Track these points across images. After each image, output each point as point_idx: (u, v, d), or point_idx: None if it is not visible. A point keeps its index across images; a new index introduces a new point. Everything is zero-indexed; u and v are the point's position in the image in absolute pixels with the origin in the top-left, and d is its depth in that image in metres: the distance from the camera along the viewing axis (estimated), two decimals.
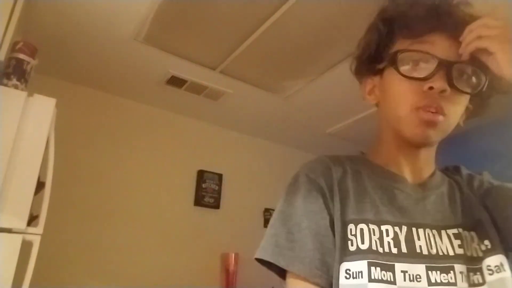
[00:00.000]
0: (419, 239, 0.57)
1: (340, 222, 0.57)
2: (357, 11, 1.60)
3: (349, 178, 0.62)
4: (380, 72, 0.64)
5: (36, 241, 1.23)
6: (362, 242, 0.55)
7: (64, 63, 2.14)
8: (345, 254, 0.55)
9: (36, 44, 1.46)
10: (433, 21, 0.58)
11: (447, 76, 0.55)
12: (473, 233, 0.59)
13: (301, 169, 0.64)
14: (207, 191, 2.68)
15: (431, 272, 0.54)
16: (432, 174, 0.66)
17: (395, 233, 0.57)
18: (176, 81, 2.27)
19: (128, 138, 2.46)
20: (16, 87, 1.35)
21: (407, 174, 0.64)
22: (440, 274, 0.54)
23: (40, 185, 1.29)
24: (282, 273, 0.57)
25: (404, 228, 0.58)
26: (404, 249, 0.56)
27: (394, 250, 0.55)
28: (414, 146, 0.62)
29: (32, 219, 1.27)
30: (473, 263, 0.56)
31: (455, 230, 0.59)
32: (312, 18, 1.68)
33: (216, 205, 2.68)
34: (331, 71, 2.07)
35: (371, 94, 0.67)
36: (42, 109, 1.33)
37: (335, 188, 0.60)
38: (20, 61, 1.39)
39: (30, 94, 1.32)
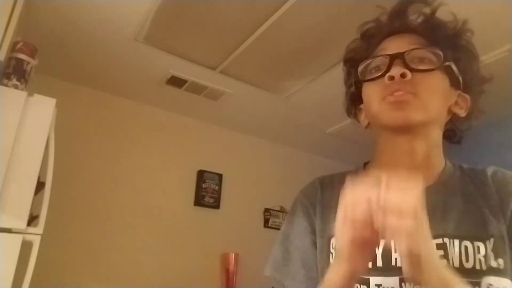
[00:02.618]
0: (395, 251, 0.55)
1: (321, 238, 0.63)
2: (357, 11, 1.60)
3: (335, 194, 0.58)
4: (361, 98, 0.68)
5: (36, 241, 1.23)
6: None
7: (64, 63, 2.14)
8: (328, 267, 0.55)
9: (36, 44, 1.46)
10: (386, 29, 0.66)
11: (403, 64, 0.58)
12: (480, 244, 0.54)
13: (299, 194, 0.72)
14: (207, 191, 2.68)
15: (404, 284, 0.53)
16: (438, 176, 0.62)
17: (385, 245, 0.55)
18: (176, 81, 2.27)
19: (128, 138, 2.46)
20: (16, 87, 1.35)
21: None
22: (413, 286, 0.52)
23: (40, 185, 1.29)
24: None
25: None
26: (379, 262, 0.56)
27: (369, 265, 0.55)
28: (400, 131, 0.60)
29: (32, 219, 1.27)
30: (468, 275, 0.51)
31: (439, 240, 0.55)
32: (312, 18, 1.68)
33: (216, 205, 2.68)
34: (331, 71, 2.07)
35: (365, 120, 0.71)
36: (42, 109, 1.33)
37: (318, 206, 0.66)
38: (20, 61, 1.39)
39: (30, 94, 1.32)
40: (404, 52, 0.58)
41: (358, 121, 0.74)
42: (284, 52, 1.95)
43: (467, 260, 0.54)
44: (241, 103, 2.53)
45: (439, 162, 0.65)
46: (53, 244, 1.76)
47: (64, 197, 2.04)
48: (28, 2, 1.56)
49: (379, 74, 0.60)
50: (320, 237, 0.63)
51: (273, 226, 2.83)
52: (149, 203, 2.42)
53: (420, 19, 0.65)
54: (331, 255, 0.60)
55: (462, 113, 0.64)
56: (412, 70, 0.57)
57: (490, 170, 0.63)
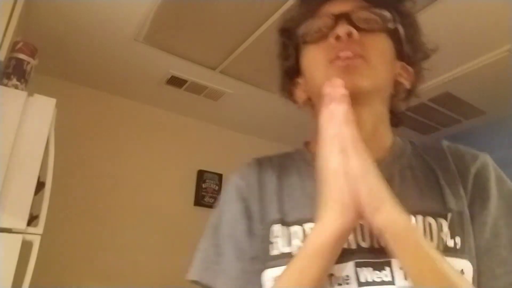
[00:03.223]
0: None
1: (261, 225, 0.53)
2: None
3: (275, 176, 0.57)
4: (299, 69, 0.59)
5: (36, 241, 1.23)
6: (288, 244, 0.49)
7: (64, 63, 2.14)
8: (267, 259, 0.50)
9: (36, 44, 1.46)
10: None
11: (349, 23, 0.51)
12: (443, 221, 0.48)
13: (232, 175, 0.61)
14: (207, 191, 2.68)
15: (361, 269, 0.46)
16: (388, 150, 0.57)
17: None
18: (176, 81, 2.27)
19: (128, 138, 2.46)
20: (16, 87, 1.35)
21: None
22: (373, 271, 0.45)
23: (40, 185, 1.29)
24: None
25: None
26: None
27: None
28: (357, 95, 0.52)
29: (32, 219, 1.27)
30: None
31: None
32: None
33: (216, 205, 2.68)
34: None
35: (301, 95, 0.62)
36: (42, 109, 1.33)
37: (256, 187, 0.56)
38: (20, 61, 1.39)
39: (30, 94, 1.32)
40: (350, 11, 0.52)
41: (293, 100, 0.64)
42: None
43: (431, 239, 0.47)
44: (241, 103, 2.53)
45: (388, 136, 0.59)
46: (53, 244, 1.76)
47: (64, 197, 2.04)
48: (28, 2, 1.56)
49: (323, 34, 0.53)
50: (259, 222, 0.53)
51: None
52: (149, 203, 2.42)
53: None
54: (271, 245, 0.50)
55: (408, 85, 0.59)
56: (359, 29, 0.51)
57: (445, 143, 0.58)
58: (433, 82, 2.09)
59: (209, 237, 0.56)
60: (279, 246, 0.50)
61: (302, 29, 0.56)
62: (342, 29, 0.51)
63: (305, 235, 0.50)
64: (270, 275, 0.49)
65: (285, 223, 0.51)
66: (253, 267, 0.50)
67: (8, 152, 1.22)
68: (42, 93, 1.35)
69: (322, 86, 0.49)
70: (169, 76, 2.22)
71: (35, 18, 1.76)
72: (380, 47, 0.54)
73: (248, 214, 0.54)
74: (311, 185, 0.51)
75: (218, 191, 2.72)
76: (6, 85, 1.33)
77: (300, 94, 0.62)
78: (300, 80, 0.61)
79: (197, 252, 0.57)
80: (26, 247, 1.20)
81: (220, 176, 2.75)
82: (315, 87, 0.54)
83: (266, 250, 0.50)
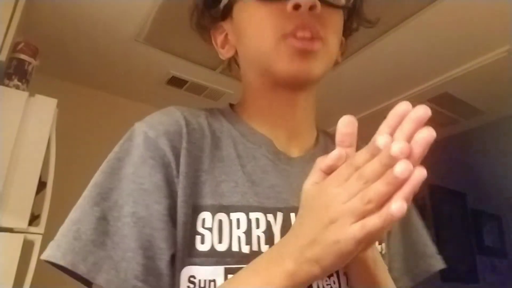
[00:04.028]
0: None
1: (186, 208, 0.39)
2: None
3: (207, 143, 0.44)
4: (228, 14, 0.48)
5: (38, 240, 1.24)
6: (220, 241, 0.38)
7: (65, 63, 2.14)
8: (191, 255, 0.38)
9: (37, 45, 1.47)
10: None
11: None
12: None
13: (140, 123, 0.45)
14: None
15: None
16: (315, 142, 0.52)
17: (268, 223, 0.40)
18: (176, 82, 2.28)
19: None
20: (17, 87, 1.35)
21: (283, 138, 0.48)
22: (323, 278, 0.41)
23: (41, 185, 1.30)
24: (88, 282, 0.38)
25: (280, 216, 0.41)
26: (258, 246, 0.39)
27: (265, 248, 0.39)
28: (291, 87, 0.46)
29: (34, 219, 1.28)
30: None
31: None
32: None
33: None
34: (331, 71, 2.07)
35: (224, 47, 0.51)
36: (44, 109, 1.34)
37: (183, 156, 0.41)
38: (21, 62, 1.39)
39: (32, 95, 1.33)
40: None
41: (213, 44, 0.53)
42: None
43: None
44: None
45: (314, 125, 0.54)
46: None
47: (66, 197, 2.04)
48: (30, 3, 1.57)
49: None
50: (184, 203, 0.39)
51: None
52: None
53: None
54: (199, 237, 0.38)
55: (339, 58, 0.52)
56: (322, 2, 0.42)
57: None
58: (432, 82, 2.09)
59: (90, 203, 0.39)
60: (211, 240, 0.38)
61: None
62: (294, 3, 0.41)
63: (249, 226, 0.39)
64: (189, 273, 0.37)
65: (223, 209, 0.40)
66: (162, 268, 0.37)
67: (9, 152, 1.23)
68: (43, 94, 1.36)
69: (266, 61, 0.43)
70: (170, 77, 2.22)
71: (36, 18, 1.76)
72: (338, 27, 0.47)
73: (170, 191, 0.39)
74: (251, 165, 0.44)
75: None
76: (7, 85, 1.34)
77: (227, 49, 0.51)
78: (225, 26, 0.50)
79: (67, 223, 0.38)
80: (27, 246, 1.20)
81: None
82: (256, 58, 0.46)
83: (191, 243, 0.38)
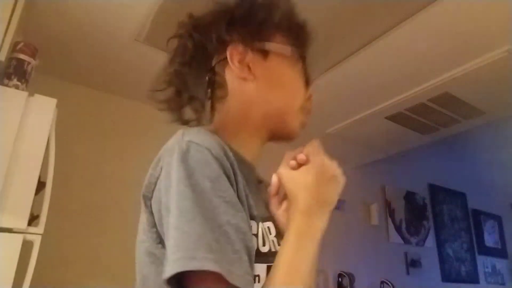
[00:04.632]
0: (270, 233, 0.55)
1: (248, 217, 0.49)
2: (357, 12, 1.60)
3: (236, 166, 0.51)
4: (262, 52, 0.60)
5: (37, 241, 1.23)
6: (264, 244, 0.50)
7: (64, 63, 2.14)
8: (255, 255, 0.48)
9: (37, 45, 1.47)
10: (307, 42, 0.67)
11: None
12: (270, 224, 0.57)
13: (193, 142, 0.47)
14: None
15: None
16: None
17: (270, 229, 0.55)
18: None
19: (128, 138, 2.46)
20: (16, 87, 1.35)
21: (255, 171, 0.63)
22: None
23: (40, 185, 1.29)
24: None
25: (272, 224, 0.57)
26: (276, 247, 0.54)
27: (275, 248, 0.53)
28: (277, 140, 0.63)
29: (33, 219, 1.27)
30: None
31: (269, 223, 0.57)
32: (311, 19, 1.68)
33: None
34: (331, 71, 2.07)
35: (241, 64, 0.59)
36: (43, 109, 1.34)
37: (236, 174, 0.49)
38: (20, 62, 1.39)
39: (31, 94, 1.33)
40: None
41: (216, 44, 0.61)
42: None
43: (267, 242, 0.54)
44: None
45: None
46: (53, 244, 1.76)
47: (65, 197, 2.05)
48: (29, 3, 1.56)
49: (305, 81, 0.63)
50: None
51: None
52: None
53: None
54: (255, 240, 0.49)
55: None
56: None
57: None
58: (432, 82, 2.09)
59: (199, 220, 0.42)
60: (257, 244, 0.50)
61: (305, 60, 0.64)
62: (312, 95, 0.64)
63: (267, 233, 0.53)
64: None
65: (259, 219, 0.52)
66: (253, 262, 0.45)
67: (8, 152, 1.22)
68: (42, 93, 1.36)
69: (287, 116, 0.60)
70: None
71: (36, 18, 1.76)
72: None
73: (240, 203, 0.47)
74: (249, 185, 0.54)
75: None
76: (6, 85, 1.33)
77: (242, 67, 0.60)
78: (249, 52, 0.60)
79: (189, 236, 0.41)
80: (26, 247, 1.20)
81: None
82: (281, 109, 0.60)
83: (254, 245, 0.48)
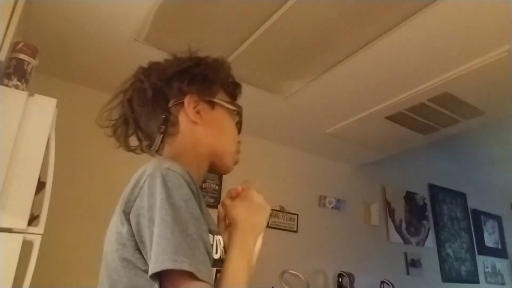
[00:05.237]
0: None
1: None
2: (357, 12, 1.60)
3: (198, 189, 0.66)
4: (211, 103, 0.77)
5: (37, 241, 1.24)
6: (216, 252, 0.66)
7: (64, 63, 2.14)
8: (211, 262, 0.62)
9: (37, 45, 1.47)
10: (239, 94, 0.88)
11: None
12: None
13: (170, 169, 0.60)
14: (208, 191, 2.68)
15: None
16: None
17: (220, 241, 0.71)
18: None
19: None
20: (16, 87, 1.35)
21: None
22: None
23: (40, 185, 1.30)
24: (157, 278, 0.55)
25: (222, 238, 0.72)
26: (224, 256, 0.68)
27: (223, 256, 0.68)
28: (215, 172, 0.81)
29: (33, 219, 1.27)
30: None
31: (219, 237, 0.71)
32: (311, 19, 1.68)
33: (216, 205, 2.67)
34: (331, 71, 2.07)
35: (196, 112, 0.76)
36: (43, 109, 1.34)
37: (200, 196, 0.65)
38: (20, 61, 1.39)
39: (31, 94, 1.33)
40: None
41: (176, 92, 0.76)
42: (284, 53, 1.95)
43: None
44: (241, 103, 2.52)
45: None
46: (53, 244, 1.76)
47: (65, 197, 2.05)
48: (29, 3, 1.57)
49: (238, 127, 0.84)
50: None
51: (272, 226, 2.83)
52: None
53: None
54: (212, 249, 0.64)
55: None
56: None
57: None
58: (432, 82, 2.09)
59: (177, 231, 0.55)
60: (213, 252, 0.64)
61: (239, 109, 0.86)
62: (241, 141, 0.85)
63: (218, 244, 0.68)
64: None
65: (215, 233, 0.68)
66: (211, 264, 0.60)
67: (8, 152, 1.22)
68: (42, 93, 1.36)
69: (224, 155, 0.78)
70: None
71: (36, 18, 1.76)
72: None
73: (204, 218, 0.61)
74: (203, 206, 0.67)
75: (218, 191, 2.72)
76: (6, 85, 1.33)
77: (197, 115, 0.76)
78: (200, 104, 0.76)
79: (171, 243, 0.54)
80: (26, 247, 1.20)
81: (220, 176, 2.75)
82: (219, 148, 0.77)
83: (212, 251, 0.62)
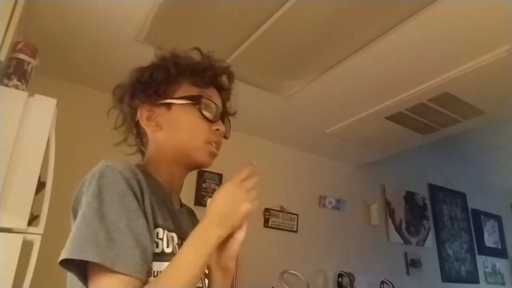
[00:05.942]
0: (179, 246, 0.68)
1: (151, 224, 0.63)
2: (357, 12, 1.60)
3: (146, 186, 0.66)
4: (165, 105, 0.76)
5: (37, 241, 1.24)
6: (168, 246, 0.65)
7: (64, 63, 2.14)
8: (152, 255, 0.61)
9: (37, 45, 1.47)
10: (213, 77, 0.79)
11: (224, 124, 0.80)
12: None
13: (109, 166, 0.64)
14: (207, 191, 2.68)
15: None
16: (181, 203, 0.83)
17: (173, 238, 0.69)
18: None
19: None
20: (16, 87, 1.35)
21: (173, 196, 0.78)
22: (202, 280, 0.71)
23: (40, 185, 1.30)
24: (83, 274, 0.58)
25: (176, 236, 0.71)
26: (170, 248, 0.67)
27: (176, 251, 0.66)
28: (192, 169, 0.78)
29: (33, 219, 1.27)
30: None
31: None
32: (312, 19, 1.68)
33: None
34: (331, 71, 2.07)
35: (150, 121, 0.77)
36: (43, 109, 1.34)
37: (143, 192, 0.64)
38: (20, 61, 1.39)
39: (31, 94, 1.33)
40: (228, 115, 0.85)
41: (130, 108, 0.81)
42: (284, 53, 1.95)
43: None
44: (241, 103, 2.52)
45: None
46: (54, 244, 1.76)
47: (65, 197, 2.04)
48: (29, 3, 1.57)
49: (212, 117, 0.76)
50: (149, 221, 0.63)
51: (273, 226, 2.83)
52: None
53: (225, 85, 0.84)
54: (155, 243, 0.63)
55: None
56: (226, 132, 0.82)
57: None
58: (432, 82, 2.09)
59: (96, 223, 0.56)
60: (162, 246, 0.64)
61: (203, 99, 0.75)
62: (222, 129, 0.78)
63: (173, 241, 0.67)
64: (153, 268, 0.61)
65: (166, 229, 0.67)
66: (149, 256, 0.59)
67: (8, 152, 1.22)
68: (42, 93, 1.36)
69: (191, 151, 0.74)
70: None
71: (36, 18, 1.76)
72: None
73: (142, 212, 0.61)
74: (162, 207, 0.69)
75: None
76: (6, 85, 1.33)
77: (150, 123, 0.77)
78: (156, 109, 0.77)
79: (86, 235, 0.56)
80: (26, 247, 1.20)
81: (220, 176, 2.75)
82: (184, 147, 0.75)
83: (152, 247, 0.61)
